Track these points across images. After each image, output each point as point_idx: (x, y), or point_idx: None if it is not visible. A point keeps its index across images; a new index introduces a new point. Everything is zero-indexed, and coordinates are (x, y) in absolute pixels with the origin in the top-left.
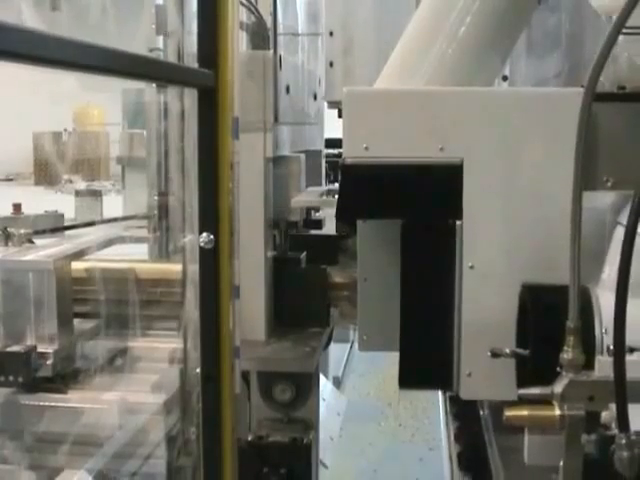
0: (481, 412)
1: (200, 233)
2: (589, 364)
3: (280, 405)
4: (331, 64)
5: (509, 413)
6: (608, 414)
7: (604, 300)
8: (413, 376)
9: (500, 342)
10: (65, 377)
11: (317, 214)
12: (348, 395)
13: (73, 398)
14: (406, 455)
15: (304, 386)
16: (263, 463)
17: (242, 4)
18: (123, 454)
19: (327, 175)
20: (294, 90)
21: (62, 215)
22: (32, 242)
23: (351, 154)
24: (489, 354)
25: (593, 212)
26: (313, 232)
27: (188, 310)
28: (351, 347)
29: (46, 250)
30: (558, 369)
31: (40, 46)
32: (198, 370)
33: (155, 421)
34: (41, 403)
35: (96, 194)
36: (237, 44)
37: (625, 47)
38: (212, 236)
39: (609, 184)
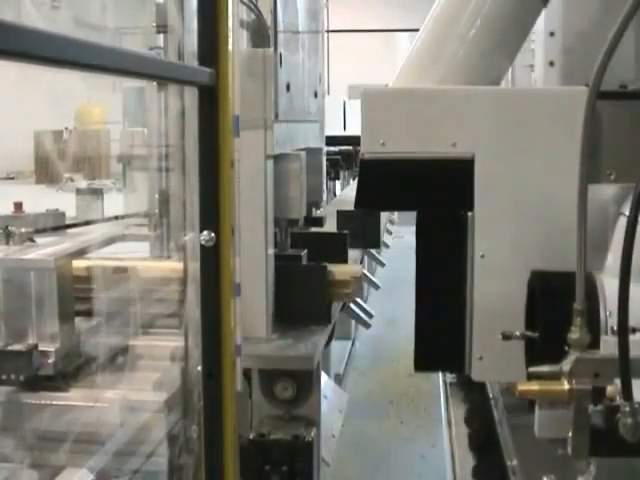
0: (490, 394)
1: (201, 231)
2: (594, 344)
3: (281, 403)
4: (551, 64)
5: (521, 387)
6: (612, 388)
7: (608, 285)
8: (427, 359)
9: (509, 327)
10: (66, 375)
11: (318, 212)
12: (350, 392)
13: (74, 396)
14: (408, 452)
15: (305, 384)
16: (264, 461)
17: (242, 2)
18: (125, 452)
19: (328, 173)
20: (294, 88)
21: (63, 213)
22: (33, 241)
23: (369, 150)
24: (500, 337)
25: (597, 204)
26: (314, 230)
27: (189, 308)
28: (353, 344)
29: (47, 249)
30: (566, 348)
31: (40, 45)
32: (199, 368)
33: (156, 419)
34: (42, 401)
35: (97, 192)
36: (237, 42)
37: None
38: (213, 234)
39: (612, 177)
